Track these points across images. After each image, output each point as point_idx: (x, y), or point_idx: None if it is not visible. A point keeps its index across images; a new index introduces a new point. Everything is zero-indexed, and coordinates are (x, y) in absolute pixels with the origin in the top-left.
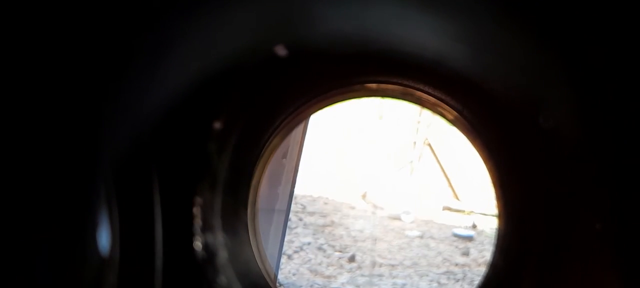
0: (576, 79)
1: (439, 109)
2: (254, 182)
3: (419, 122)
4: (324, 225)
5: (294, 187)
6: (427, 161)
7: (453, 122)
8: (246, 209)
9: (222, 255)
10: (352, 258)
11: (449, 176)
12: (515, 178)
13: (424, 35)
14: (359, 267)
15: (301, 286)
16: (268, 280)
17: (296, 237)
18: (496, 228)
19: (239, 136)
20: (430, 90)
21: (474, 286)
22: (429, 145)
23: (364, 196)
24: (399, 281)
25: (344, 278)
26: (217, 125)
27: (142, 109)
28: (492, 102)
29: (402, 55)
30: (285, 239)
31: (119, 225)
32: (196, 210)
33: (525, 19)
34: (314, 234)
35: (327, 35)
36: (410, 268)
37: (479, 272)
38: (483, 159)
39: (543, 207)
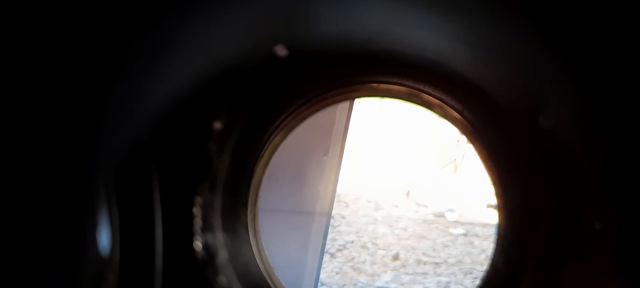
0: (577, 78)
1: (442, 110)
2: (254, 182)
3: None
4: (368, 223)
5: (336, 185)
6: (471, 158)
7: (454, 123)
8: (246, 209)
9: (223, 255)
10: (396, 257)
11: None
12: (516, 179)
13: (425, 35)
14: (403, 265)
15: (344, 285)
16: (268, 280)
17: (339, 235)
18: (496, 228)
19: (239, 136)
20: (430, 91)
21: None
22: None
23: (407, 194)
24: (443, 279)
25: (388, 276)
26: (217, 125)
27: (141, 109)
28: (492, 102)
29: (402, 55)
30: (328, 237)
31: (119, 225)
32: (196, 210)
33: (526, 19)
34: (357, 232)
35: (327, 34)
36: (454, 266)
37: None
38: (482, 159)
39: (544, 206)
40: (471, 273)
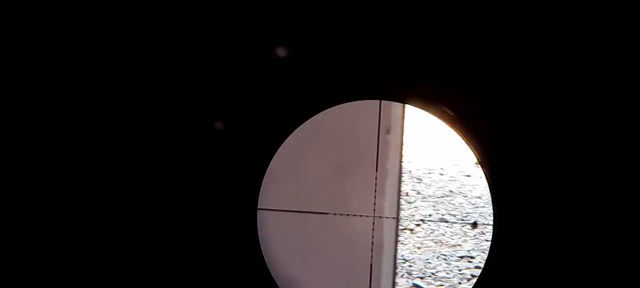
0: (572, 80)
1: (433, 109)
2: (256, 182)
3: None
4: (443, 196)
5: (402, 160)
6: None
7: (451, 124)
8: (251, 208)
9: (227, 252)
10: (474, 225)
11: None
12: (511, 178)
13: (422, 37)
14: (482, 233)
15: (427, 258)
16: (273, 277)
17: (416, 210)
18: (493, 228)
19: (240, 136)
20: (427, 91)
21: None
22: None
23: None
24: None
25: (469, 245)
26: (219, 125)
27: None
28: (488, 103)
29: (400, 57)
30: (406, 214)
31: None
32: (202, 209)
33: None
34: (433, 206)
35: (326, 37)
36: None
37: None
38: (478, 158)
39: (539, 206)
40: None
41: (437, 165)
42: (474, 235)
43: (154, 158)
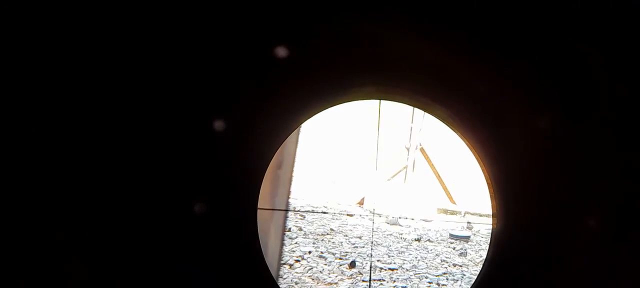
0: (571, 80)
1: (432, 109)
2: (258, 183)
3: (411, 128)
4: (324, 234)
5: (289, 196)
6: (421, 165)
7: (444, 120)
8: (252, 210)
9: (227, 251)
10: (352, 265)
11: (443, 179)
12: (509, 177)
13: (420, 40)
14: (360, 273)
15: None
16: (275, 279)
17: (297, 246)
18: (492, 225)
19: (241, 137)
20: (424, 90)
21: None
22: (422, 149)
23: (361, 203)
24: (399, 284)
25: (345, 284)
26: (220, 126)
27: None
28: (487, 103)
29: (399, 59)
30: (287, 249)
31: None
32: (201, 209)
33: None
34: (314, 243)
35: (326, 38)
36: (409, 271)
37: (477, 271)
38: (477, 157)
39: (539, 204)
40: (426, 277)
41: (321, 202)
42: (351, 275)
43: (154, 158)
